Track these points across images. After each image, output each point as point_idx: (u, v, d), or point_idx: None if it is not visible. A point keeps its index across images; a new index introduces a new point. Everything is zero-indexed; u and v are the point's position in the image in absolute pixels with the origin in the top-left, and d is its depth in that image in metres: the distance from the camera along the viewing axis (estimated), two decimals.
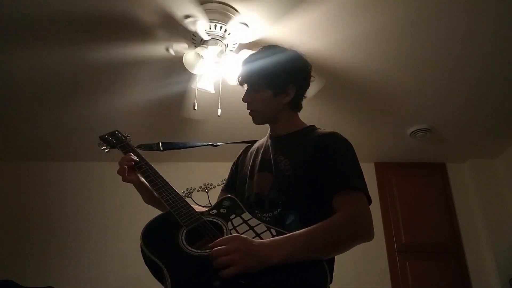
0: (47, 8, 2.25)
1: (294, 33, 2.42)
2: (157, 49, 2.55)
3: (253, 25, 2.36)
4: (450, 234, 3.77)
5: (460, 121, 3.36)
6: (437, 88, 2.96)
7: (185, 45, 2.50)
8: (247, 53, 2.40)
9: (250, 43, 2.47)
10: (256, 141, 1.56)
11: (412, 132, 3.50)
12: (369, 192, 1.21)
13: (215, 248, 1.00)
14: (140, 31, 2.43)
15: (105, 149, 1.49)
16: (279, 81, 1.35)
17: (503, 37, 2.49)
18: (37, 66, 2.71)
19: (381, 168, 4.04)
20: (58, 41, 2.49)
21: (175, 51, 2.54)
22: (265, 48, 1.41)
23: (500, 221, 3.74)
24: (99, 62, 2.68)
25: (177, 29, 2.39)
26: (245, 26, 2.36)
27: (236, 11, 2.29)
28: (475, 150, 3.83)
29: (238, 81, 1.42)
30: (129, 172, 1.34)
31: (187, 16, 2.29)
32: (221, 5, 2.26)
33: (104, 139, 1.51)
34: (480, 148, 3.80)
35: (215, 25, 2.32)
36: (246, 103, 1.40)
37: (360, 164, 1.27)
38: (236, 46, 2.46)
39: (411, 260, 3.67)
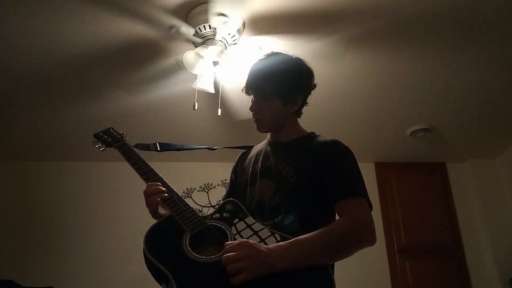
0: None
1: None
2: (166, 62, 2.60)
3: (228, 11, 2.26)
4: (450, 234, 3.77)
5: (460, 121, 3.36)
6: (437, 88, 2.96)
7: (190, 31, 2.46)
8: (249, 40, 2.38)
9: (243, 29, 2.42)
10: (252, 146, 1.56)
11: (412, 132, 3.50)
12: (369, 192, 1.23)
13: (225, 255, 1.00)
14: (147, 48, 2.51)
15: (100, 147, 1.46)
16: (289, 91, 1.36)
17: (503, 37, 2.49)
18: (36, 65, 2.71)
19: (381, 168, 4.04)
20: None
21: (175, 32, 2.51)
22: (270, 56, 1.41)
23: (500, 221, 3.74)
24: (98, 61, 2.68)
25: (176, 40, 2.42)
26: (223, 16, 2.29)
27: (206, 1, 2.28)
28: (475, 150, 3.83)
29: (245, 90, 1.40)
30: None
31: (222, 14, 2.27)
32: (197, 7, 2.28)
33: (99, 137, 1.48)
34: (480, 148, 3.80)
35: (199, 28, 2.33)
36: (252, 112, 1.39)
37: (360, 164, 1.29)
38: (236, 38, 2.42)
39: (411, 260, 3.67)
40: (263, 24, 2.38)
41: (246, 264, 0.98)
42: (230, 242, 1.06)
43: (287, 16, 2.36)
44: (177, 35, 2.42)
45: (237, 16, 2.31)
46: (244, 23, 2.36)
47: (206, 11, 2.26)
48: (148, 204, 1.24)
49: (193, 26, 2.35)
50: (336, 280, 1.07)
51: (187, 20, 2.35)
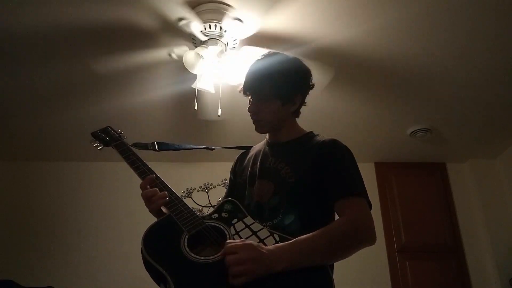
0: (47, 16, 2.26)
1: (289, 22, 2.37)
2: (159, 54, 2.56)
3: (247, 19, 2.34)
4: (450, 234, 3.77)
5: (460, 121, 3.36)
6: (437, 88, 2.96)
7: (186, 48, 2.49)
8: (248, 49, 2.39)
9: (248, 38, 2.45)
10: (251, 146, 1.55)
11: (412, 132, 3.50)
12: (369, 192, 1.23)
13: (229, 257, 0.99)
14: (141, 37, 2.43)
15: (97, 146, 1.45)
16: (287, 91, 1.35)
17: (503, 37, 2.49)
18: (38, 69, 2.71)
19: (381, 168, 4.04)
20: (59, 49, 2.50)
21: (177, 56, 2.54)
22: (268, 56, 1.40)
23: (500, 221, 3.73)
24: (99, 65, 2.68)
25: (176, 33, 2.39)
26: (239, 21, 2.34)
27: (229, 5, 2.27)
28: (475, 150, 3.83)
29: (243, 91, 1.39)
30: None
31: (181, 19, 2.29)
32: (213, 3, 2.25)
33: (96, 136, 1.46)
34: (480, 148, 3.80)
35: (209, 25, 2.31)
36: (250, 113, 1.39)
37: (360, 164, 1.29)
38: (237, 43, 2.45)
39: (411, 260, 3.67)
40: (265, 39, 2.42)
41: (249, 267, 0.98)
42: (231, 240, 1.05)
43: (289, 38, 2.41)
44: (180, 29, 2.36)
45: (252, 25, 2.32)
46: (221, 2, 2.30)
47: (220, 11, 2.26)
48: (148, 204, 1.23)
49: (188, 39, 2.35)
50: (336, 280, 1.07)
51: (194, 12, 2.29)
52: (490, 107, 3.17)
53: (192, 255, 1.05)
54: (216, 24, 2.31)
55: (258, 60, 1.40)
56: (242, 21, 2.34)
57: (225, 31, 2.35)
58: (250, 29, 2.40)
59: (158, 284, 1.06)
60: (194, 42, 2.45)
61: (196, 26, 2.28)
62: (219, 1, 2.25)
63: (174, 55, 2.55)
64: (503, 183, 3.88)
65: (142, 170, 1.30)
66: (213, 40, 2.36)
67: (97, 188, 3.86)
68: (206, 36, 2.36)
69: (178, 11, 2.26)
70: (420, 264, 3.66)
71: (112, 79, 2.86)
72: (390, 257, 3.68)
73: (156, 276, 1.03)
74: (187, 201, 1.36)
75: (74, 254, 3.59)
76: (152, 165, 1.33)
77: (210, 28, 2.32)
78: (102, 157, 3.56)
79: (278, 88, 1.34)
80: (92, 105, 3.12)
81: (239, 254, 0.99)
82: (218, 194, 3.69)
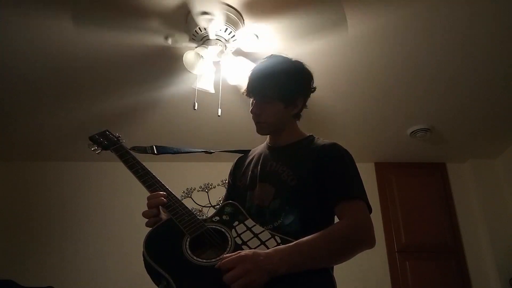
0: None
1: (303, 56, 2.39)
2: (155, 39, 2.49)
3: (264, 38, 2.35)
4: (450, 234, 3.76)
5: (460, 121, 3.36)
6: (437, 88, 2.96)
7: (186, 37, 2.45)
8: (241, 60, 2.39)
9: (251, 52, 2.47)
10: (249, 150, 1.56)
11: (412, 132, 3.50)
12: (369, 192, 1.25)
13: (226, 276, 0.97)
14: (142, 14, 2.33)
15: (95, 150, 1.45)
16: (290, 94, 1.36)
17: (503, 38, 2.49)
18: (36, 65, 2.71)
19: (381, 168, 4.04)
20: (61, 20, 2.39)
21: (172, 41, 2.49)
22: (272, 58, 1.40)
23: (500, 221, 3.73)
24: (97, 60, 2.68)
25: (182, 22, 2.35)
26: (255, 37, 2.37)
27: (243, 24, 2.31)
28: (475, 150, 3.83)
29: (246, 92, 1.40)
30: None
31: (204, 13, 2.26)
32: (234, 10, 2.28)
33: (94, 140, 1.46)
34: (480, 148, 3.80)
35: (226, 28, 2.31)
36: (253, 114, 1.39)
37: (360, 164, 1.31)
38: (234, 49, 2.46)
39: (411, 260, 3.67)
40: (258, 9, 2.32)
41: (249, 279, 0.97)
42: (225, 255, 1.04)
43: None
44: (195, 21, 2.32)
45: (264, 45, 2.35)
46: (241, 15, 2.33)
47: (237, 22, 2.29)
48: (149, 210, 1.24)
49: (190, 31, 2.35)
50: (336, 280, 1.07)
51: (186, 25, 2.33)
52: (490, 107, 3.17)
53: (194, 257, 1.05)
54: (232, 30, 2.32)
55: (261, 62, 1.41)
56: (258, 37, 2.34)
57: (235, 40, 2.36)
58: (258, 47, 2.41)
59: (158, 286, 1.06)
60: (195, 37, 2.41)
61: (215, 25, 2.27)
62: (242, 14, 2.28)
63: (170, 40, 2.49)
64: (503, 183, 3.88)
65: (141, 174, 1.30)
66: (215, 40, 2.36)
67: (97, 188, 3.86)
68: (216, 35, 2.35)
69: (208, 6, 2.22)
70: (420, 264, 3.66)
71: (110, 78, 2.85)
72: (390, 257, 3.68)
73: (157, 278, 1.04)
74: (187, 201, 1.36)
75: (74, 254, 3.59)
76: (151, 165, 1.35)
77: (225, 32, 2.32)
78: (102, 158, 3.53)
79: (281, 90, 1.34)
80: (92, 105, 3.12)
81: (235, 270, 0.98)
82: (218, 194, 3.69)
